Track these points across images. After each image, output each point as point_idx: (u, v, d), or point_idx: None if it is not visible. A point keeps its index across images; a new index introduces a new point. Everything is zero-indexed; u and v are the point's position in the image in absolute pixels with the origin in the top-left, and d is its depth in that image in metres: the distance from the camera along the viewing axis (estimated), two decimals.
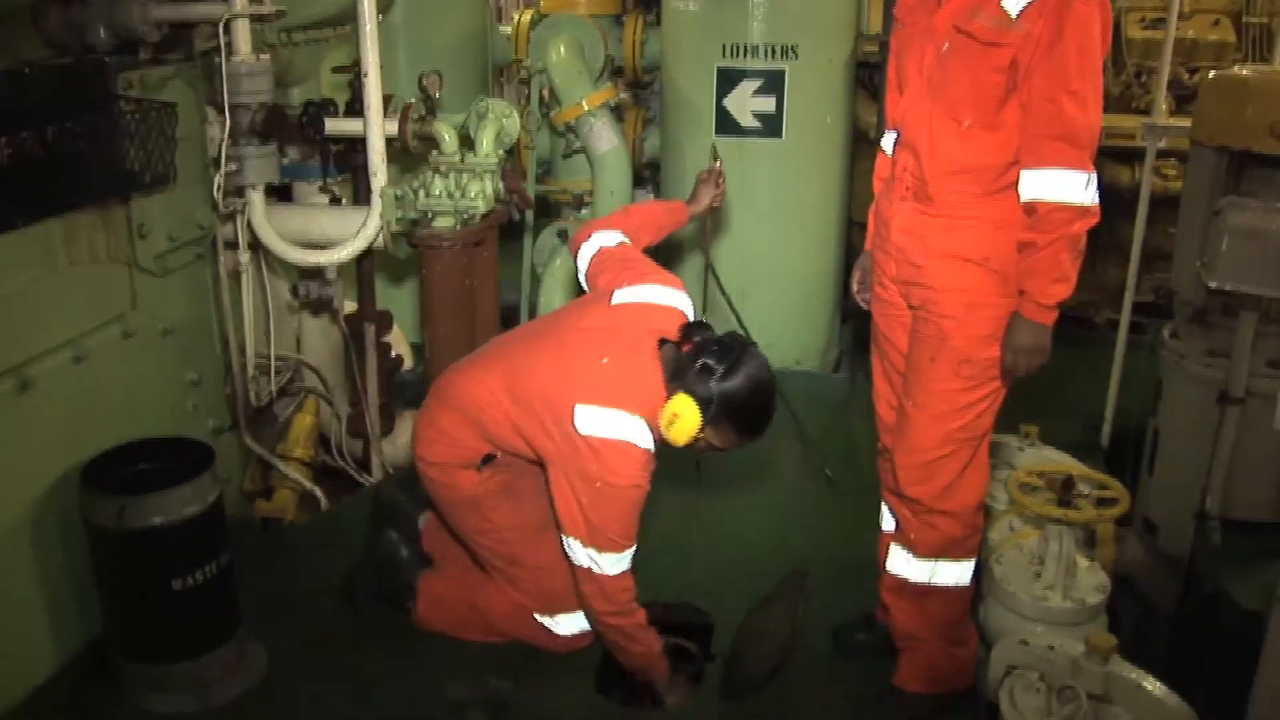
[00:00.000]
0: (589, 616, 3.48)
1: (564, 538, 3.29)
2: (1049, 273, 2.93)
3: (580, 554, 3.26)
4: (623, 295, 3.40)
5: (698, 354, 3.13)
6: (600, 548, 3.23)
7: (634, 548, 3.30)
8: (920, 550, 3.36)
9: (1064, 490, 3.84)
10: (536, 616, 3.62)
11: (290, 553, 4.38)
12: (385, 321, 4.97)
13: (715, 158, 3.96)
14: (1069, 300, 3.03)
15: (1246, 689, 2.98)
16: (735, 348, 3.14)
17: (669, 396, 3.13)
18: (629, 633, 3.41)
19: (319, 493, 4.82)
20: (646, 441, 3.16)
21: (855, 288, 3.64)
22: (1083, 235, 2.92)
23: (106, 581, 3.37)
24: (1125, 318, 5.52)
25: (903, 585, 3.43)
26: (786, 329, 6.03)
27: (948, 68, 3.01)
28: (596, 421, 3.13)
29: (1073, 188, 2.85)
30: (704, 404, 3.09)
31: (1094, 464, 4.65)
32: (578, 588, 3.39)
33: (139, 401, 3.80)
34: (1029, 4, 2.84)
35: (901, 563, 3.43)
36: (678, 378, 3.15)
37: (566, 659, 3.66)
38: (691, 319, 3.42)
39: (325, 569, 4.05)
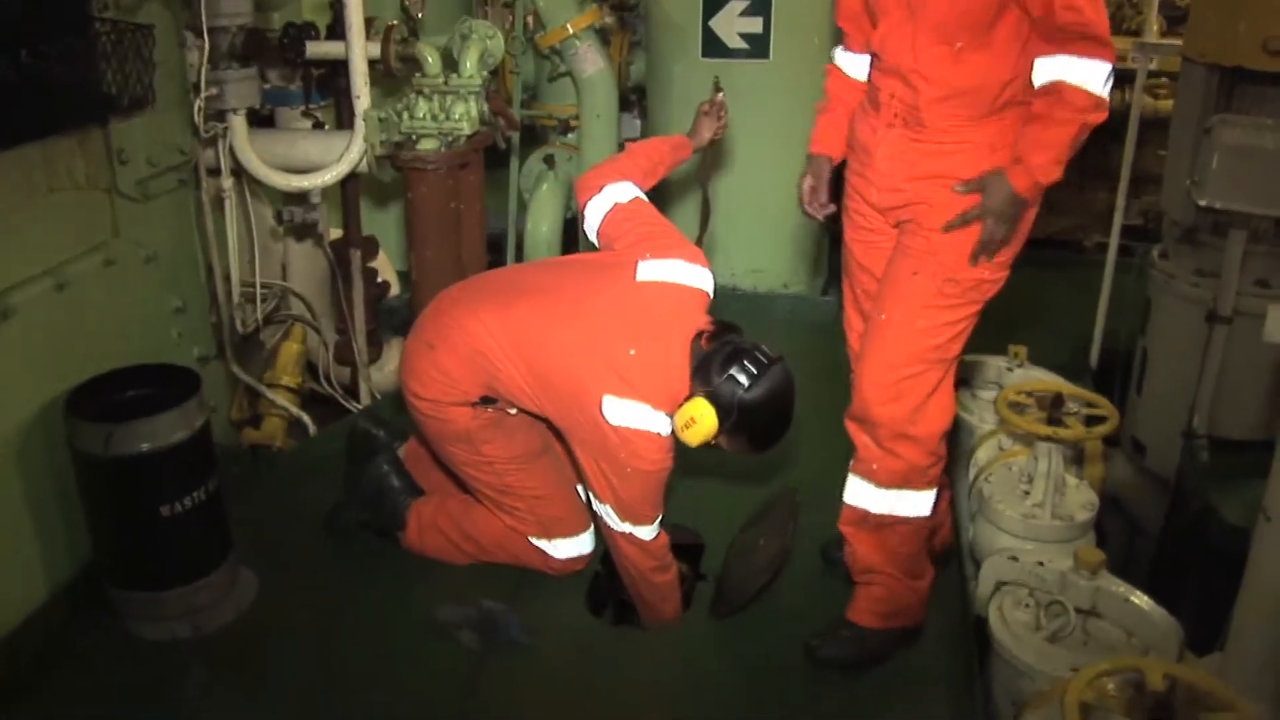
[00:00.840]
0: (630, 573, 3.48)
1: (598, 504, 3.35)
2: (1055, 148, 2.86)
3: (616, 523, 3.33)
4: (647, 271, 3.33)
5: (726, 362, 3.08)
6: (635, 521, 3.30)
7: (663, 514, 3.37)
8: (882, 479, 3.21)
9: (1053, 408, 3.86)
10: (533, 540, 3.63)
11: (280, 479, 4.38)
12: (371, 247, 4.94)
13: (718, 89, 3.91)
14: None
15: (1230, 603, 3.01)
16: (764, 361, 3.09)
17: (690, 394, 3.12)
18: (663, 591, 3.48)
19: (307, 419, 4.81)
20: (669, 428, 3.18)
21: (805, 198, 3.44)
22: (1090, 128, 2.85)
23: (95, 509, 3.36)
24: (1115, 239, 5.50)
25: (863, 518, 3.28)
26: (775, 252, 6.01)
27: None
28: (626, 413, 3.13)
29: (1096, 76, 2.78)
30: (723, 413, 3.07)
31: (1083, 385, 4.65)
32: (617, 545, 3.42)
33: (123, 329, 3.76)
34: None
35: (862, 494, 3.27)
36: (700, 379, 3.12)
37: (558, 580, 3.68)
38: (712, 296, 3.39)
39: (315, 495, 4.04)
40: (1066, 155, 2.87)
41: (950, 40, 2.90)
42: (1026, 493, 3.80)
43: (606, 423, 3.14)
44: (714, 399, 3.06)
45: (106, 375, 3.41)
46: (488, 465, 3.51)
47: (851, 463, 3.31)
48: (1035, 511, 3.72)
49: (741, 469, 4.27)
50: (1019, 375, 4.53)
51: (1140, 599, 3.24)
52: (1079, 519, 3.72)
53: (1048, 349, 4.95)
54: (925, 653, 3.42)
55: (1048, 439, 3.74)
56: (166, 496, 3.29)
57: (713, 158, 4.15)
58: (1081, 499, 3.80)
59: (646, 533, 3.35)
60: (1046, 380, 4.41)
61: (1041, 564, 3.35)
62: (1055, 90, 2.82)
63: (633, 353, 3.16)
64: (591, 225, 3.56)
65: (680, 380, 3.14)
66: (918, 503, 3.24)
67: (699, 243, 4.11)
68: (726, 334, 3.20)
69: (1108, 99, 2.82)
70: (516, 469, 3.52)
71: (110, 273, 3.70)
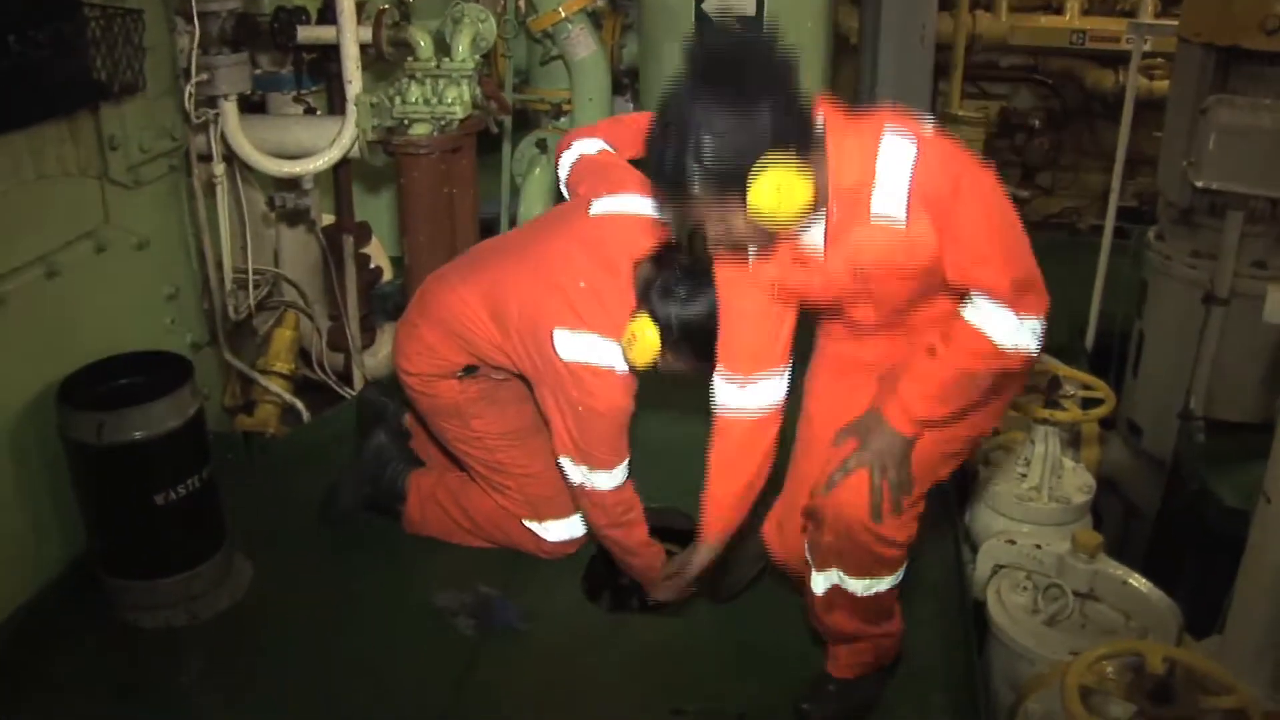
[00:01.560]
0: (590, 527, 3.51)
1: (558, 456, 3.32)
2: (928, 384, 2.58)
3: (573, 472, 3.30)
4: (600, 206, 3.34)
5: (665, 279, 3.09)
6: (591, 466, 3.27)
7: (626, 461, 3.31)
8: (851, 573, 2.83)
9: (1049, 391, 3.86)
10: (524, 522, 3.62)
11: (274, 466, 4.36)
12: (364, 233, 4.92)
13: None
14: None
15: (1226, 585, 3.01)
16: (699, 272, 3.02)
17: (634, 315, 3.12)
18: (625, 545, 3.45)
19: (300, 406, 4.80)
20: (624, 364, 3.16)
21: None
22: (986, 375, 2.55)
23: (88, 498, 3.34)
24: (1110, 220, 5.49)
25: (831, 603, 2.93)
26: None
27: (874, 294, 2.63)
28: (575, 346, 3.14)
29: (1001, 325, 2.48)
30: (664, 327, 3.05)
31: (1079, 367, 4.64)
32: (578, 500, 3.43)
33: (115, 316, 3.74)
34: (908, 199, 2.40)
35: (831, 585, 2.91)
36: (643, 299, 3.12)
37: (554, 565, 3.66)
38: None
39: (309, 481, 4.02)
40: (948, 394, 2.58)
41: (920, 310, 2.68)
42: (1023, 475, 3.80)
43: (559, 358, 3.15)
44: (653, 315, 3.06)
45: (98, 363, 3.38)
46: (478, 441, 3.52)
47: (812, 558, 2.92)
48: (1032, 494, 3.72)
49: None
50: None
51: (1138, 582, 3.24)
52: (1076, 501, 3.72)
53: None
54: (923, 637, 3.41)
55: (1044, 421, 3.75)
56: (160, 485, 3.27)
57: None
58: (1078, 481, 3.81)
59: (603, 480, 3.28)
60: (1043, 363, 4.40)
61: (1039, 547, 3.35)
62: (952, 322, 2.55)
63: (582, 285, 3.17)
64: (562, 177, 3.60)
65: (628, 306, 3.14)
66: (891, 580, 2.89)
67: None
68: (665, 255, 3.19)
69: (1018, 350, 2.51)
70: (507, 445, 3.53)
71: (102, 260, 3.68)
